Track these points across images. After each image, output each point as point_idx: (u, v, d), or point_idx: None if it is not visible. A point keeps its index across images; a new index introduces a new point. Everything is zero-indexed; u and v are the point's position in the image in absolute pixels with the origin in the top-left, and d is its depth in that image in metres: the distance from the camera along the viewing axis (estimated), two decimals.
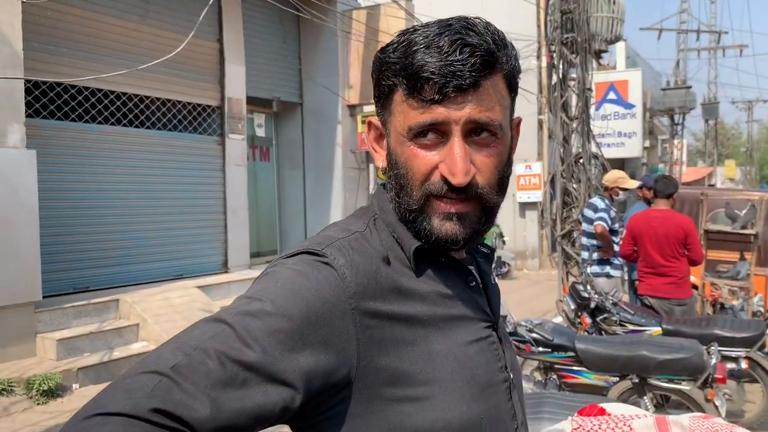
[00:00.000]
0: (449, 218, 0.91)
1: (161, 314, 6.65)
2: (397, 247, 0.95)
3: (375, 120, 1.00)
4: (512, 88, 0.96)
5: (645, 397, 3.98)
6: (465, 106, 0.88)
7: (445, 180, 0.89)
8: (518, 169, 15.07)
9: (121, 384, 0.75)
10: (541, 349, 4.24)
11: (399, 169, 0.93)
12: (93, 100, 7.14)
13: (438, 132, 0.89)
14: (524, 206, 15.30)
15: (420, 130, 0.89)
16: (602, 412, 1.58)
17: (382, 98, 0.96)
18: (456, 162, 0.88)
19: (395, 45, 0.92)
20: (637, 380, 3.99)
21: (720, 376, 3.80)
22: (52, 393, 5.39)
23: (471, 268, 1.02)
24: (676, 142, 26.93)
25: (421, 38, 0.89)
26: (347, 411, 0.86)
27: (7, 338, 5.80)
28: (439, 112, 0.88)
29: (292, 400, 0.80)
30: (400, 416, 0.86)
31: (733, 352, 4.58)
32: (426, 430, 0.87)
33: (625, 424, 1.46)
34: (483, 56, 0.87)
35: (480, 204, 0.93)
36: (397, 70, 0.90)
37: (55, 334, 6.04)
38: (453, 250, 0.95)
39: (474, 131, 0.90)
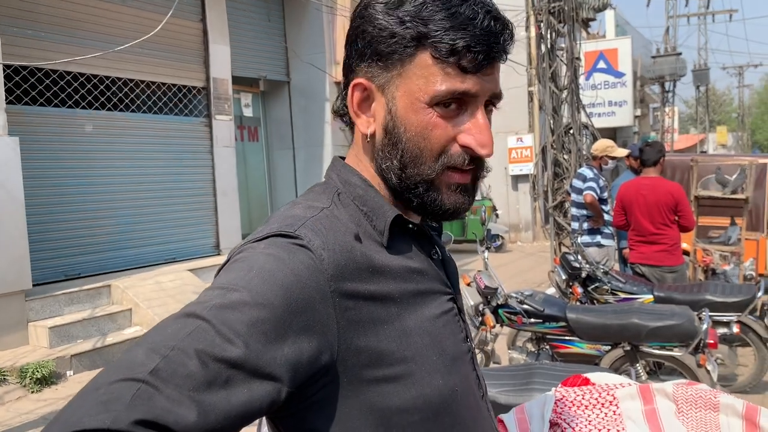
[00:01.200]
0: (459, 190, 0.92)
1: (153, 298, 6.63)
2: (365, 221, 0.92)
3: (366, 81, 0.92)
4: None
5: (637, 365, 3.99)
6: (492, 79, 0.89)
7: (466, 151, 0.89)
8: (510, 141, 15.04)
9: (95, 395, 0.68)
10: (532, 320, 4.24)
11: (411, 139, 0.89)
12: (76, 84, 7.04)
13: (459, 102, 0.88)
14: (516, 179, 15.28)
15: (449, 98, 0.87)
16: (586, 382, 1.56)
17: (390, 58, 0.89)
18: (485, 133, 0.89)
19: (403, 3, 0.87)
20: (629, 348, 4.00)
21: (711, 342, 3.81)
22: (46, 381, 5.38)
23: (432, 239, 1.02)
24: (667, 109, 26.90)
25: (441, 2, 0.86)
26: (329, 396, 0.83)
27: None
28: (473, 83, 0.87)
29: (279, 393, 0.76)
30: (381, 396, 0.85)
31: (725, 316, 4.59)
32: (407, 408, 0.86)
33: (608, 394, 1.45)
34: (509, 31, 0.89)
35: (475, 175, 0.94)
36: (427, 33, 0.85)
37: (47, 321, 6.02)
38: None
39: (486, 103, 0.91)
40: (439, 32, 0.85)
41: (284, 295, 0.77)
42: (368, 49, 0.90)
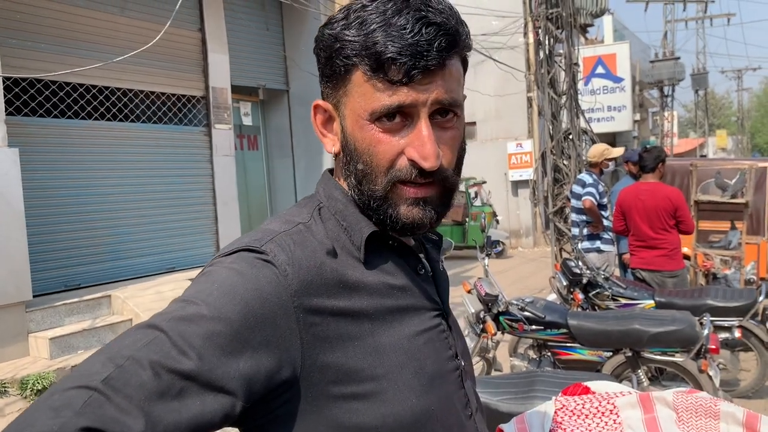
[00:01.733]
0: (416, 204, 0.89)
1: (154, 308, 6.61)
2: (344, 236, 0.92)
3: (323, 103, 0.95)
4: (465, 66, 0.93)
5: (639, 371, 3.98)
6: (431, 88, 0.85)
7: (413, 165, 0.87)
8: (509, 147, 15.06)
9: (50, 400, 0.70)
10: (533, 327, 4.23)
11: (360, 156, 0.89)
12: (75, 95, 7.05)
13: (403, 114, 0.86)
14: (516, 184, 15.30)
15: (385, 113, 0.85)
16: (587, 390, 1.56)
17: (335, 78, 0.90)
18: (426, 145, 0.85)
19: (347, 21, 0.87)
20: (630, 354, 3.99)
21: (713, 347, 3.80)
22: None
23: (421, 255, 1.00)
24: (666, 114, 26.93)
25: (377, 15, 0.85)
26: (293, 411, 0.83)
27: None
28: (406, 94, 0.84)
29: (233, 407, 0.77)
30: (349, 414, 0.84)
31: (726, 321, 4.58)
32: (376, 426, 0.85)
33: (608, 402, 1.44)
34: (448, 36, 0.85)
35: (442, 187, 0.90)
36: (357, 49, 0.85)
37: (47, 332, 6.00)
38: (417, 234, 0.93)
39: (438, 112, 0.88)
40: (366, 48, 0.84)
41: (242, 309, 0.78)
42: (320, 70, 0.93)
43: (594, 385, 1.57)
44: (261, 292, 0.80)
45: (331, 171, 1.01)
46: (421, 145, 0.85)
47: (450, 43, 0.85)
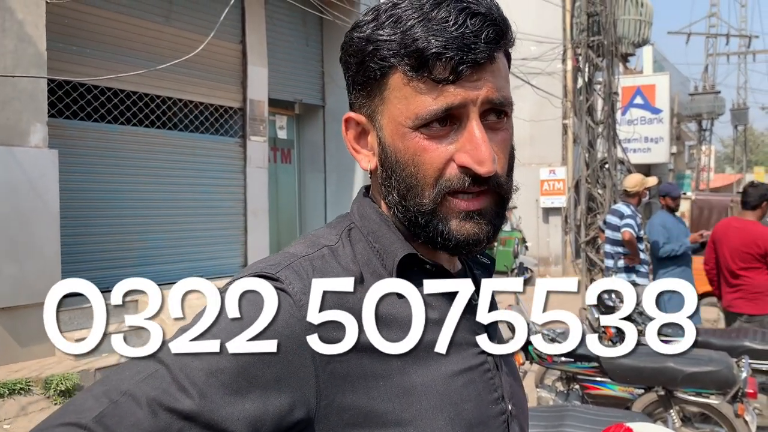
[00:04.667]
0: (470, 217, 0.80)
1: (180, 315, 6.63)
2: (376, 260, 0.83)
3: (355, 115, 0.86)
4: (509, 63, 0.86)
5: (671, 411, 3.85)
6: (481, 84, 0.77)
7: (465, 171, 0.78)
8: (542, 173, 14.92)
9: None
10: (563, 359, 4.12)
11: (404, 168, 0.79)
12: (115, 100, 7.16)
13: (451, 117, 0.78)
14: (548, 211, 15.13)
15: (432, 119, 0.77)
16: None
17: (369, 85, 0.81)
18: (481, 148, 0.76)
19: (378, 21, 0.79)
20: (663, 393, 3.86)
21: (751, 391, 3.67)
22: (70, 393, 5.37)
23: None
24: (703, 148, 26.54)
25: (413, 11, 0.77)
26: None
27: (26, 337, 5.82)
28: (454, 94, 0.76)
29: None
30: None
31: (765, 365, 4.42)
32: None
33: None
34: (495, 27, 0.78)
35: (497, 195, 0.82)
36: (394, 48, 0.77)
37: (74, 333, 6.02)
38: (474, 252, 0.84)
39: (489, 113, 0.80)
40: (405, 46, 0.76)
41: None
42: (351, 79, 0.85)
43: (637, 426, 1.50)
44: (272, 324, 0.72)
45: (367, 188, 0.93)
46: (474, 149, 0.77)
47: (498, 34, 0.78)
